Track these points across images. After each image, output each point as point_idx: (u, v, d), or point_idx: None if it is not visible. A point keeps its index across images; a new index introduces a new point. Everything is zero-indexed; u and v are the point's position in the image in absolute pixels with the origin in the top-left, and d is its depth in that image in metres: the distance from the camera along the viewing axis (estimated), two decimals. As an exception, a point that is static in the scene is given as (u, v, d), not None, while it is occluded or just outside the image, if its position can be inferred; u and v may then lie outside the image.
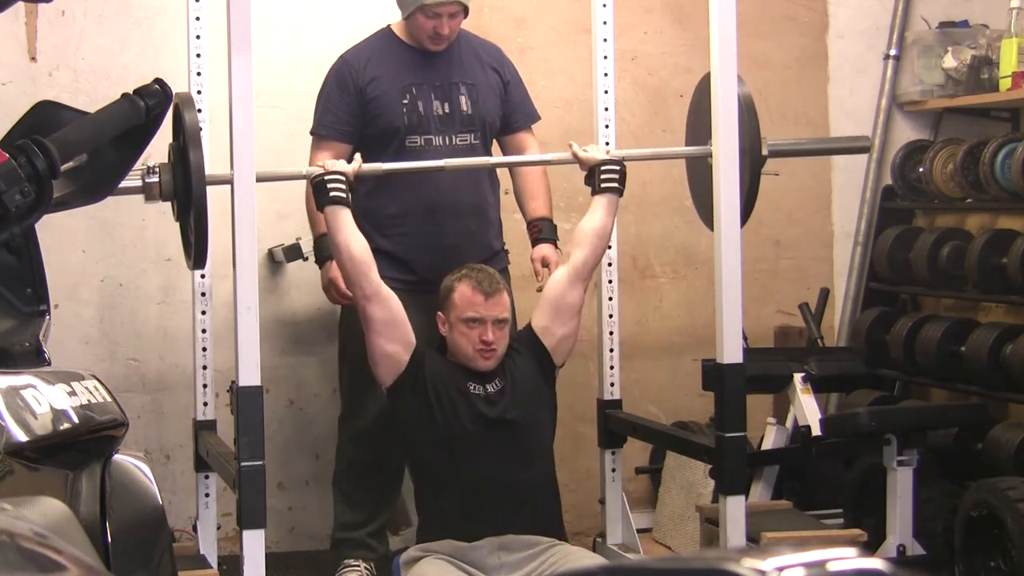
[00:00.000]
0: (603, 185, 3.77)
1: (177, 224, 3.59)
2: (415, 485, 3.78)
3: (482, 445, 3.56)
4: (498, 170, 4.30)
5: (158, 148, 4.42)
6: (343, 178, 3.58)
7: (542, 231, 4.22)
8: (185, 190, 3.34)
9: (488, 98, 4.19)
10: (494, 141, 4.28)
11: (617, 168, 3.79)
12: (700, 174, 3.94)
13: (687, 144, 4.10)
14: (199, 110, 4.01)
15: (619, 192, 3.79)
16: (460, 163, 3.94)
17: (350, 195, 3.59)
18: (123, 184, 3.40)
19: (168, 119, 3.51)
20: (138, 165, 3.37)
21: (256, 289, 3.30)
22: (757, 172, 3.78)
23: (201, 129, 3.40)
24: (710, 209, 3.73)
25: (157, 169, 3.40)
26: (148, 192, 3.41)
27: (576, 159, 3.84)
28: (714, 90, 3.64)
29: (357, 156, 3.74)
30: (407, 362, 3.59)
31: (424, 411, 3.58)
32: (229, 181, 3.32)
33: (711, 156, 3.72)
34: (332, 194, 3.56)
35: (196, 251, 3.40)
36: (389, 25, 4.24)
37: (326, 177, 3.58)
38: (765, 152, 3.80)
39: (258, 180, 3.36)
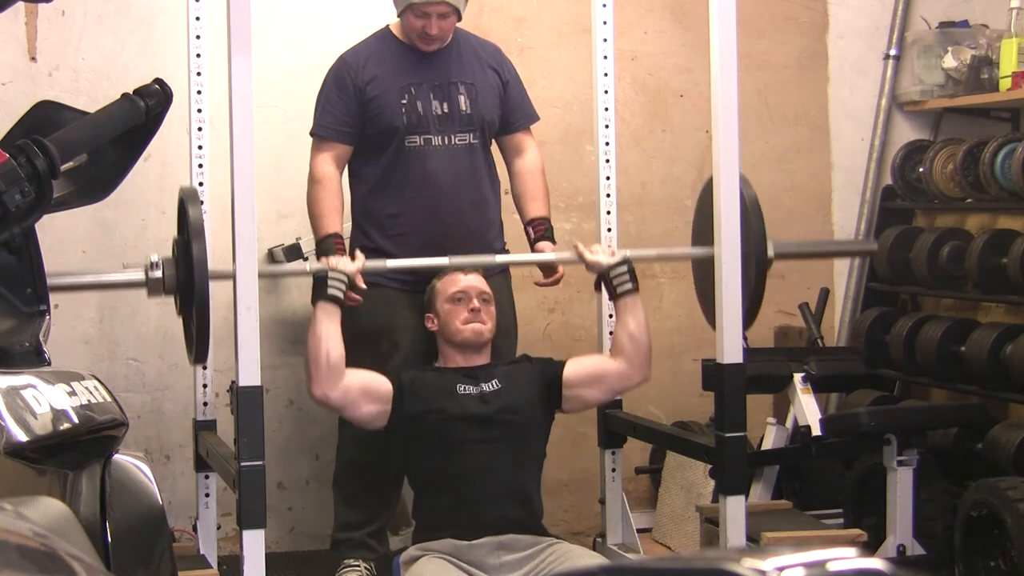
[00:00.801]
0: (619, 290, 3.75)
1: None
2: (412, 485, 3.79)
3: (473, 443, 3.57)
4: (498, 170, 4.30)
5: (166, 197, 4.45)
6: (345, 278, 3.59)
7: (545, 231, 4.21)
8: (188, 285, 3.35)
9: (487, 98, 4.19)
10: (493, 140, 4.28)
11: (626, 269, 3.76)
12: (705, 273, 3.91)
13: (693, 243, 4.07)
14: (199, 110, 4.02)
15: (636, 290, 3.77)
16: (466, 261, 3.82)
17: (345, 295, 3.60)
18: (126, 278, 3.45)
19: (173, 213, 3.54)
20: (142, 260, 3.40)
21: (256, 289, 3.30)
22: (763, 274, 3.77)
23: (204, 224, 3.39)
24: (713, 305, 3.70)
25: (160, 263, 3.41)
26: (151, 287, 3.40)
27: (582, 262, 3.82)
28: (716, 191, 3.62)
29: (360, 255, 3.72)
30: (391, 407, 3.61)
31: (418, 426, 3.60)
32: (231, 276, 3.32)
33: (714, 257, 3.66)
34: (331, 291, 3.57)
35: (198, 347, 3.40)
36: (388, 25, 4.23)
37: (329, 274, 3.59)
38: (771, 254, 3.78)
39: (262, 276, 3.42)
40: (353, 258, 3.72)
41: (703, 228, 3.87)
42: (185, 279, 3.34)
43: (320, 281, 3.60)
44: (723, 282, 3.60)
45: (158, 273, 3.38)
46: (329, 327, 3.53)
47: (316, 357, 3.53)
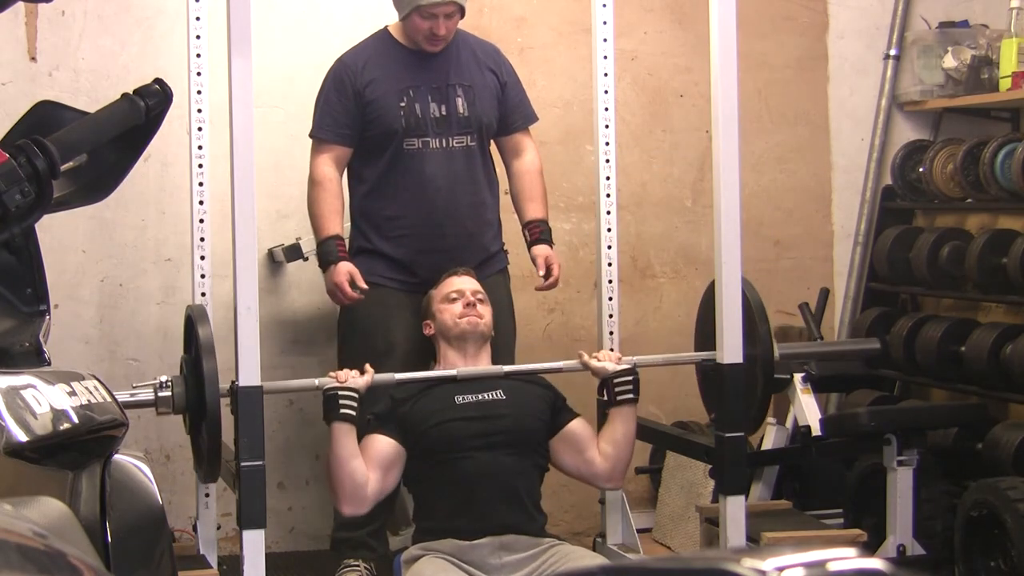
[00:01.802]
0: (619, 398, 3.75)
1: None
2: (411, 492, 3.78)
3: (475, 449, 3.57)
4: (496, 170, 4.30)
5: (166, 197, 4.45)
6: (355, 395, 3.55)
7: (542, 232, 4.22)
8: (198, 403, 3.35)
9: (485, 99, 4.19)
10: (492, 142, 4.28)
11: (631, 379, 3.76)
12: (708, 380, 3.90)
13: (696, 349, 4.07)
14: (199, 110, 4.02)
15: (636, 400, 3.77)
16: (472, 372, 3.73)
17: (357, 411, 3.56)
18: (135, 399, 3.44)
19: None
20: (151, 379, 3.41)
21: (256, 289, 3.30)
22: (771, 377, 3.76)
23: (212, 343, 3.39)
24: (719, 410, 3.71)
25: (170, 383, 3.41)
26: (160, 405, 3.42)
27: (587, 368, 3.82)
28: (718, 295, 3.65)
29: (369, 369, 3.66)
30: (407, 455, 3.61)
31: (418, 437, 3.60)
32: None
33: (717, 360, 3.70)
34: (343, 411, 3.53)
35: (209, 463, 3.40)
36: (386, 27, 4.24)
37: (340, 392, 3.55)
38: (777, 357, 3.79)
39: (267, 392, 3.42)
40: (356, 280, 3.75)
41: (705, 332, 3.89)
42: (195, 397, 3.36)
43: (331, 399, 3.55)
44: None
45: (167, 392, 3.40)
46: (348, 447, 3.51)
47: (340, 480, 3.52)
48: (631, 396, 3.75)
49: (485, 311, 3.76)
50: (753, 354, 3.68)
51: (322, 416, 3.59)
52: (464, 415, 3.59)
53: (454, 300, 3.76)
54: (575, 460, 3.72)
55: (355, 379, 3.59)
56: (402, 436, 3.59)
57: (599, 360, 3.81)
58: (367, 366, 3.69)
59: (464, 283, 3.81)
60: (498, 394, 3.65)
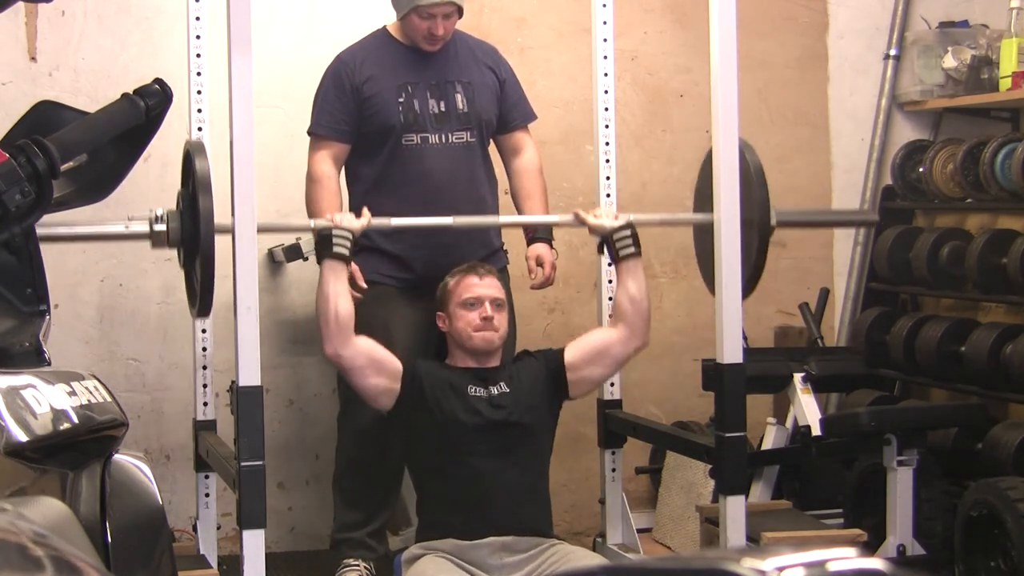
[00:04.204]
0: (622, 253, 3.75)
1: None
2: (415, 485, 3.78)
3: (482, 446, 3.56)
4: (496, 169, 4.30)
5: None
6: (349, 235, 3.59)
7: (537, 231, 4.22)
8: (193, 237, 3.34)
9: (484, 96, 4.20)
10: (490, 140, 4.28)
11: (630, 233, 3.76)
12: (705, 240, 3.90)
13: (695, 210, 4.07)
14: (199, 110, 4.02)
15: (639, 255, 3.76)
16: (469, 221, 3.85)
17: (352, 252, 3.60)
18: (130, 230, 3.45)
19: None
20: (146, 212, 3.40)
21: (256, 289, 3.30)
22: (765, 242, 3.76)
23: (210, 177, 3.38)
24: (712, 272, 3.70)
25: (165, 216, 3.40)
26: (155, 239, 3.41)
27: (583, 224, 3.82)
28: (716, 159, 3.62)
29: (366, 212, 3.70)
30: (400, 387, 3.60)
31: (425, 418, 3.60)
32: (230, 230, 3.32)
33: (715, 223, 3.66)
34: (336, 249, 3.57)
35: (201, 300, 3.41)
36: (385, 26, 4.24)
37: (334, 232, 3.58)
38: (774, 222, 3.77)
39: (263, 230, 3.42)
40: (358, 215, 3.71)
41: (705, 194, 3.87)
42: (191, 231, 3.34)
43: (325, 239, 3.60)
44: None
45: (162, 226, 3.39)
46: (337, 285, 3.54)
47: (325, 315, 3.55)
48: (632, 250, 3.74)
49: (501, 322, 3.70)
50: (750, 218, 3.67)
51: (315, 258, 3.64)
52: (474, 414, 3.57)
53: (472, 307, 3.69)
54: (600, 360, 3.74)
55: (351, 221, 3.63)
56: (409, 374, 3.60)
57: (596, 217, 3.80)
58: (364, 209, 3.73)
59: (484, 289, 3.71)
60: (503, 387, 3.64)
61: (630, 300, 3.72)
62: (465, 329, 3.67)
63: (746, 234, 3.65)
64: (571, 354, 3.74)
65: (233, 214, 3.29)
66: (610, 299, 4.27)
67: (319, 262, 3.63)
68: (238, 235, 3.28)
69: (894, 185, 5.25)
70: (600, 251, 3.96)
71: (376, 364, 3.59)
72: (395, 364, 3.61)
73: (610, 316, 3.90)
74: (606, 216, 3.81)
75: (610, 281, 4.25)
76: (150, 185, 4.60)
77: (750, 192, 3.67)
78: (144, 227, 3.41)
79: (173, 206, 3.50)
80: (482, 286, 3.71)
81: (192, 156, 3.40)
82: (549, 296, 4.90)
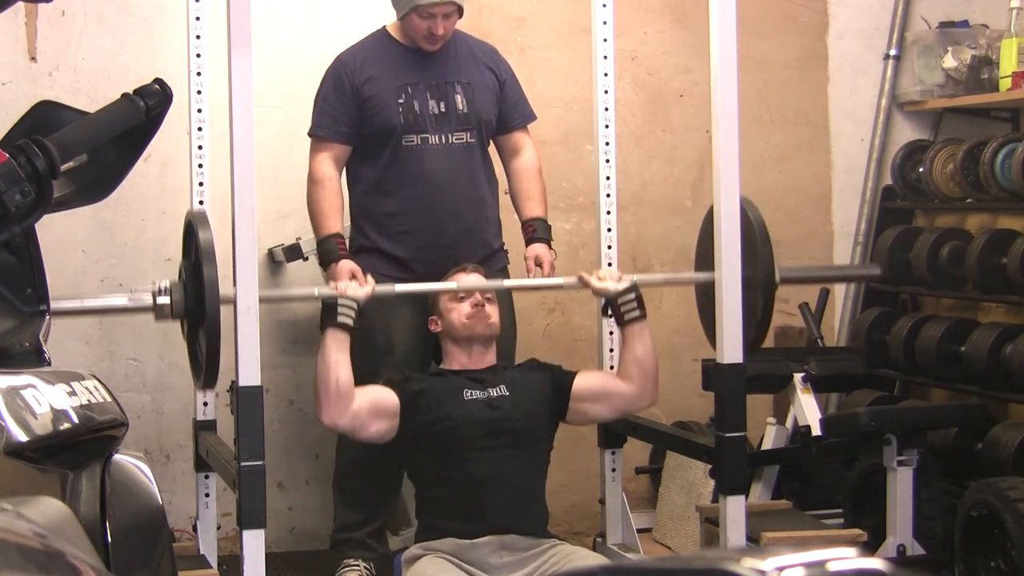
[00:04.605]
0: (627, 317, 3.73)
1: (177, 227, 3.59)
2: (415, 487, 3.78)
3: (480, 449, 3.56)
4: (496, 170, 4.30)
5: (167, 197, 4.45)
6: (355, 305, 3.55)
7: (536, 231, 4.22)
8: (197, 309, 3.31)
9: (484, 97, 4.20)
10: (490, 141, 4.28)
11: (634, 296, 3.73)
12: (708, 298, 3.90)
13: (696, 269, 4.04)
14: (199, 110, 4.01)
15: (644, 317, 3.73)
16: (473, 285, 3.76)
17: (356, 322, 3.56)
18: (133, 304, 3.42)
19: (174, 213, 3.50)
20: (148, 285, 3.37)
21: (256, 289, 3.30)
22: (770, 301, 3.74)
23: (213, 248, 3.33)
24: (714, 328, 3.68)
25: (168, 288, 3.37)
26: (158, 312, 3.36)
27: (587, 287, 3.80)
28: (717, 218, 3.61)
29: (370, 279, 3.69)
30: (400, 418, 3.58)
31: (423, 428, 3.60)
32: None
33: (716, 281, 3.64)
34: (340, 319, 3.52)
35: (207, 371, 3.36)
36: (384, 26, 4.24)
37: (339, 301, 3.54)
38: (778, 280, 3.76)
39: (263, 301, 3.39)
40: (360, 271, 3.70)
41: (706, 254, 3.85)
42: (194, 303, 3.31)
43: (329, 308, 3.55)
44: (723, 292, 3.60)
45: (166, 298, 3.35)
46: (339, 355, 3.48)
47: (326, 383, 3.49)
48: (637, 313, 3.72)
49: (493, 311, 3.73)
50: (754, 276, 3.66)
51: (319, 326, 3.59)
52: (471, 417, 3.58)
53: (462, 299, 3.72)
54: (604, 402, 3.73)
55: (355, 290, 3.59)
56: (405, 401, 3.57)
57: (600, 280, 3.78)
58: (368, 277, 3.71)
59: (472, 281, 3.76)
60: (502, 390, 3.64)
61: (636, 363, 3.70)
62: (458, 318, 3.68)
63: (750, 293, 3.63)
64: (580, 384, 3.72)
65: (233, 214, 3.29)
66: (618, 326, 4.23)
67: (322, 331, 3.57)
68: (238, 235, 3.27)
69: (894, 185, 5.25)
70: (604, 313, 3.92)
71: (376, 412, 3.56)
72: (392, 401, 3.58)
73: (618, 372, 3.84)
74: (610, 278, 3.78)
75: (611, 332, 4.20)
76: (150, 185, 4.61)
77: (753, 250, 3.65)
78: (148, 300, 3.36)
79: (171, 212, 3.50)
80: (470, 279, 3.74)
81: (194, 227, 3.37)
82: (549, 296, 4.90)
